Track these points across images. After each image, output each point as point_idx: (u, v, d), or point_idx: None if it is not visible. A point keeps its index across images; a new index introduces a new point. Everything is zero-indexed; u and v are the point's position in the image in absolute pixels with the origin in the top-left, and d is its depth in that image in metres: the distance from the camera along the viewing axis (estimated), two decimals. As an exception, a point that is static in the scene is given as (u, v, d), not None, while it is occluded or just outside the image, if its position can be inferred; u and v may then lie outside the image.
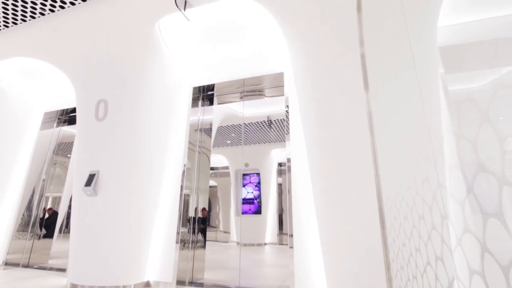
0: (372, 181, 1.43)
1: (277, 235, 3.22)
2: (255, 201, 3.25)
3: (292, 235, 2.50)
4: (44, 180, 4.21)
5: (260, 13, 2.65)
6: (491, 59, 0.62)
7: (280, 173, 3.38)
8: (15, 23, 2.97)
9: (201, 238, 3.09)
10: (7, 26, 3.03)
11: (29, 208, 4.09)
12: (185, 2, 2.30)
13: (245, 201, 3.25)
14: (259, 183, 3.32)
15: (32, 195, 4.15)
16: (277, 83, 3.13)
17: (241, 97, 3.37)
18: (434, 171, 0.63)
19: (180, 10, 2.28)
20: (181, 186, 3.02)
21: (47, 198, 4.14)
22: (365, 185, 1.69)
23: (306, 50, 2.11)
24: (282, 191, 3.31)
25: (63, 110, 4.45)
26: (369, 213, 1.58)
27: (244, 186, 3.29)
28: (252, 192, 3.28)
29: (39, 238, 3.95)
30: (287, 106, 2.84)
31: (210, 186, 3.39)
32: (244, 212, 3.20)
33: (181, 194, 3.00)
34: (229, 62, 3.29)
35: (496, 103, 0.43)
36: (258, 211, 3.23)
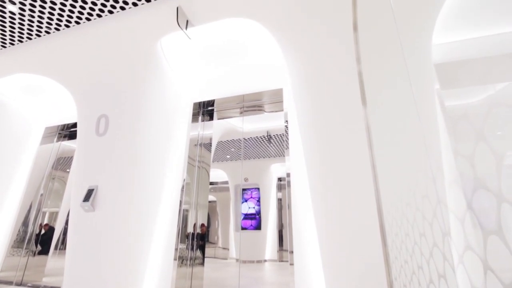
0: (372, 196, 1.42)
1: (277, 251, 3.16)
2: (255, 216, 3.22)
3: (292, 252, 2.45)
4: (42, 194, 4.17)
5: (259, 31, 2.73)
6: (485, 76, 0.63)
7: (280, 188, 3.36)
8: (21, 41, 3.05)
9: (200, 254, 3.03)
10: (12, 44, 3.11)
11: (25, 223, 4.03)
12: (187, 21, 2.37)
13: (245, 216, 3.21)
14: (258, 198, 3.29)
15: (29, 210, 4.10)
16: (276, 99, 3.17)
17: (241, 112, 3.40)
18: (433, 187, 0.64)
19: (182, 29, 2.35)
20: (180, 201, 3.00)
21: (44, 213, 4.09)
22: (365, 200, 1.68)
23: (305, 67, 2.15)
24: (282, 206, 3.27)
25: (64, 125, 4.48)
26: (370, 229, 1.56)
27: (243, 201, 3.26)
28: (252, 207, 3.25)
29: (34, 254, 3.86)
30: (286, 121, 2.87)
31: (210, 201, 3.35)
32: (243, 228, 3.16)
33: (180, 209, 2.97)
34: (229, 78, 3.35)
35: (491, 120, 0.44)
36: (257, 226, 3.18)
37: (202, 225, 3.11)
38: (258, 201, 3.27)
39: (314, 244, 2.38)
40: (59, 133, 4.48)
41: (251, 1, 2.23)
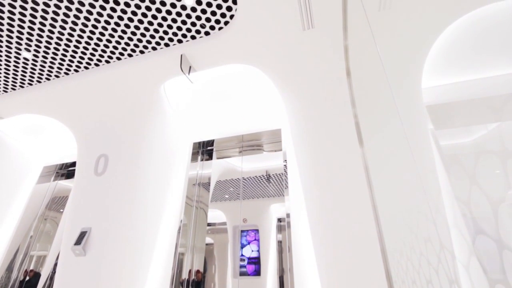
0: (375, 239, 1.38)
1: (278, 300, 2.94)
2: (254, 260, 3.06)
3: (294, 301, 2.29)
4: (31, 236, 3.99)
5: (257, 75, 2.89)
6: (473, 117, 0.66)
7: (280, 229, 3.25)
8: (31, 84, 3.19)
9: (195, 304, 2.81)
10: (22, 87, 3.25)
11: (9, 268, 3.80)
12: (190, 67, 2.52)
13: (244, 260, 3.05)
14: (258, 240, 3.16)
15: (16, 254, 3.89)
16: (275, 139, 3.23)
17: (240, 152, 3.44)
18: (434, 230, 0.62)
19: (185, 74, 2.48)
20: (176, 244, 2.87)
21: (31, 257, 3.87)
22: (368, 243, 1.62)
23: (302, 109, 2.24)
24: (282, 249, 3.13)
25: (62, 164, 4.47)
26: (375, 274, 1.48)
27: (242, 243, 3.13)
28: (251, 251, 3.11)
29: (15, 304, 3.57)
30: (285, 160, 2.89)
31: (207, 244, 3.21)
32: (242, 274, 2.98)
33: (175, 253, 2.83)
34: (228, 119, 3.45)
35: (482, 164, 0.45)
36: (257, 272, 3.01)
37: (198, 271, 2.94)
38: (257, 243, 3.14)
39: (317, 292, 2.23)
40: (57, 172, 4.45)
41: (249, 50, 2.40)
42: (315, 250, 2.19)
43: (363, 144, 1.44)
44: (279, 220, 3.27)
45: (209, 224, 3.30)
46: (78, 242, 2.46)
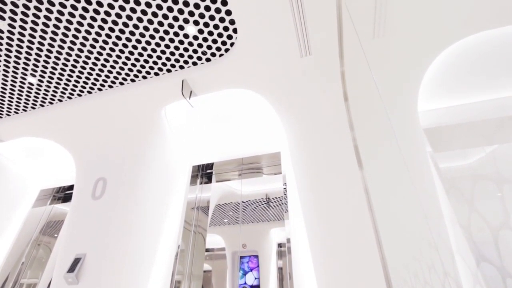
0: (378, 263, 1.34)
1: (279, 333, 2.79)
2: (253, 289, 2.93)
3: (295, 333, 2.17)
4: (23, 263, 3.85)
5: (257, 99, 2.95)
6: (471, 139, 0.67)
7: (281, 255, 3.15)
8: (34, 108, 3.24)
9: (191, 337, 2.66)
10: (25, 110, 3.30)
11: (-3, 298, 3.63)
12: (191, 92, 2.59)
13: (242, 289, 2.93)
14: (257, 267, 3.05)
15: (5, 282, 3.73)
16: (274, 162, 3.23)
17: (240, 175, 3.42)
18: (437, 257, 0.61)
19: (186, 99, 2.54)
20: (173, 272, 2.77)
21: (21, 285, 3.71)
22: (371, 271, 1.57)
23: (302, 133, 2.26)
24: (283, 276, 3.02)
25: (59, 187, 4.42)
26: (379, 304, 1.42)
27: (241, 270, 3.02)
28: (251, 278, 2.99)
29: (0, 338, 3.37)
30: (285, 184, 2.87)
31: (204, 271, 3.10)
32: (240, 303, 2.85)
33: (172, 281, 2.73)
34: (228, 142, 3.47)
35: (479, 190, 0.45)
36: (256, 301, 2.88)
37: (195, 299, 2.81)
38: (257, 270, 3.02)
39: (319, 323, 2.12)
40: (54, 196, 4.39)
41: (248, 75, 2.47)
42: (317, 278, 2.11)
43: (362, 167, 1.44)
44: (279, 245, 3.18)
45: (207, 250, 3.21)
46: (72, 269, 2.37)
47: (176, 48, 2.38)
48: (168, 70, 2.61)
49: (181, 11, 2.07)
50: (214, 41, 2.31)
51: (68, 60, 2.54)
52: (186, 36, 2.27)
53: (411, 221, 0.88)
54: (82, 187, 2.90)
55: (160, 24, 2.18)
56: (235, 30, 2.20)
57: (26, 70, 2.67)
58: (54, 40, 2.33)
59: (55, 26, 2.20)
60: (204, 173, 3.53)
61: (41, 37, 2.30)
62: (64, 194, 4.37)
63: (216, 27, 2.18)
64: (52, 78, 2.76)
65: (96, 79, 2.76)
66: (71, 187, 4.36)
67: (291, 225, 2.64)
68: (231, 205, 3.37)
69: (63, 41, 2.34)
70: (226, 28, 2.19)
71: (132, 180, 2.82)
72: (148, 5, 2.03)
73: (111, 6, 2.04)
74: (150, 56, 2.47)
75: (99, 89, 2.91)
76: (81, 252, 2.49)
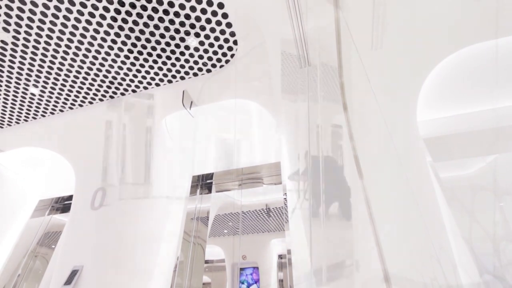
0: (380, 273, 1.31)
1: None
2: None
3: None
4: (19, 275, 3.79)
5: (257, 109, 2.97)
6: (468, 151, 0.68)
7: (281, 266, 3.10)
8: (35, 118, 3.26)
9: None
10: (26, 121, 3.31)
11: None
12: (191, 102, 2.61)
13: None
14: (258, 279, 3.00)
15: (0, 296, 3.66)
16: (274, 172, 3.22)
17: (240, 185, 3.40)
18: (440, 270, 0.60)
19: (186, 109, 2.56)
20: (171, 286, 2.72)
21: (16, 299, 3.63)
22: (372, 277, 1.54)
23: (301, 143, 2.26)
24: (283, 288, 2.96)
25: (58, 198, 4.39)
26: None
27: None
28: (250, 291, 2.93)
29: None
30: (285, 193, 2.85)
31: (204, 283, 3.04)
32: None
33: (170, 294, 2.67)
34: (228, 152, 3.47)
35: (479, 200, 0.45)
36: (257, 316, 2.81)
37: (194, 313, 2.74)
38: (257, 283, 2.97)
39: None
40: (52, 206, 4.36)
41: (248, 86, 2.50)
42: (318, 290, 2.07)
43: (363, 177, 1.44)
44: (280, 256, 3.12)
45: (206, 261, 3.16)
46: (69, 281, 2.33)
47: (177, 59, 2.41)
48: (169, 81, 2.64)
49: (182, 24, 2.12)
50: (215, 53, 2.34)
51: (70, 71, 2.57)
52: (187, 47, 2.30)
53: (414, 232, 0.87)
54: (81, 197, 2.87)
55: (162, 36, 2.21)
56: (235, 42, 2.24)
57: (29, 80, 2.69)
58: (57, 52, 2.37)
59: (59, 38, 2.24)
60: (204, 183, 3.52)
61: (44, 48, 2.34)
62: (63, 205, 4.34)
63: (216, 39, 2.22)
64: (54, 89, 2.79)
65: (97, 90, 2.79)
66: (70, 198, 4.33)
67: (291, 236, 2.61)
68: (231, 215, 3.34)
69: (66, 53, 2.38)
70: (226, 40, 2.23)
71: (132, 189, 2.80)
72: (151, 18, 2.07)
73: (114, 19, 2.09)
74: (151, 67, 2.50)
75: (101, 100, 2.93)
76: (79, 264, 2.45)
